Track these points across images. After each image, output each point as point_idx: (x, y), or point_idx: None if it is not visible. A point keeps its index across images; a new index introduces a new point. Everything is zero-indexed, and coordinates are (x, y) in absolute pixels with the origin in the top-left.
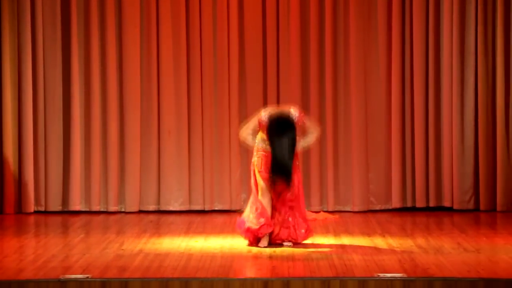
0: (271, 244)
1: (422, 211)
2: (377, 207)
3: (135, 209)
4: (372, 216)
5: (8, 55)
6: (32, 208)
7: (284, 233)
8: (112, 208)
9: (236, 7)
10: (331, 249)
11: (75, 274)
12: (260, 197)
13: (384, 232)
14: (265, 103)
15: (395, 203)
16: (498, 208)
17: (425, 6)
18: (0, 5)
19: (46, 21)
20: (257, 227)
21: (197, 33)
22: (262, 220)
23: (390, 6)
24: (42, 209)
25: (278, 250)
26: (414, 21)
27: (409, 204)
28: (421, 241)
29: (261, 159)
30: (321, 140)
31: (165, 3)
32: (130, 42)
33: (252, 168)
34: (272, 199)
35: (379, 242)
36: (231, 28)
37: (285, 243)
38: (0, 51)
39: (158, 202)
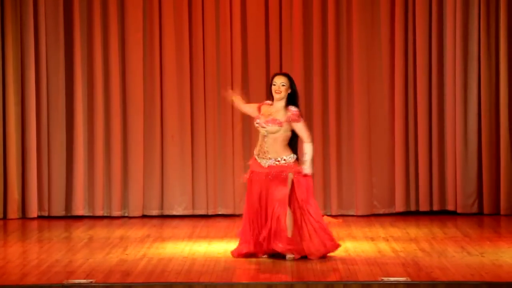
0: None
1: (425, 215)
2: (381, 211)
3: (139, 213)
4: (375, 220)
5: (11, 61)
6: (35, 213)
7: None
8: (116, 213)
9: (238, 13)
10: (334, 253)
11: (79, 279)
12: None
13: (388, 236)
14: None
15: (399, 207)
16: (502, 211)
17: (428, 10)
18: (3, 12)
19: (48, 26)
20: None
21: (200, 38)
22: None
23: (393, 11)
24: (46, 214)
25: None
26: (417, 25)
27: (412, 208)
28: (424, 245)
29: (250, 175)
30: (324, 144)
31: (168, 8)
32: (133, 47)
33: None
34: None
35: (383, 246)
36: (234, 33)
37: (287, 256)
38: (3, 57)
39: (162, 207)
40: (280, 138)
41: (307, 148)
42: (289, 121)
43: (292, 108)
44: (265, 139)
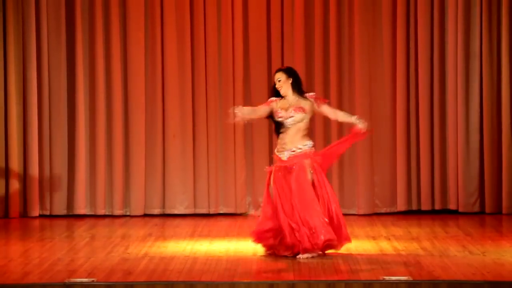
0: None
1: (427, 214)
2: (383, 210)
3: (140, 212)
4: (377, 219)
5: (13, 61)
6: (37, 212)
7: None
8: (117, 211)
9: (240, 12)
10: (336, 252)
11: (81, 278)
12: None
13: (390, 235)
14: None
15: (401, 206)
16: (504, 210)
17: (430, 9)
18: (5, 12)
19: (50, 25)
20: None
21: (202, 36)
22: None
23: (394, 10)
24: (47, 213)
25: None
26: (419, 24)
27: (414, 207)
28: (426, 244)
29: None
30: (326, 143)
31: (170, 7)
32: (134, 46)
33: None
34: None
35: (385, 245)
36: (235, 32)
37: (301, 256)
38: (5, 57)
39: (163, 206)
40: (302, 127)
41: (346, 113)
42: (318, 104)
43: (311, 94)
44: (288, 131)
